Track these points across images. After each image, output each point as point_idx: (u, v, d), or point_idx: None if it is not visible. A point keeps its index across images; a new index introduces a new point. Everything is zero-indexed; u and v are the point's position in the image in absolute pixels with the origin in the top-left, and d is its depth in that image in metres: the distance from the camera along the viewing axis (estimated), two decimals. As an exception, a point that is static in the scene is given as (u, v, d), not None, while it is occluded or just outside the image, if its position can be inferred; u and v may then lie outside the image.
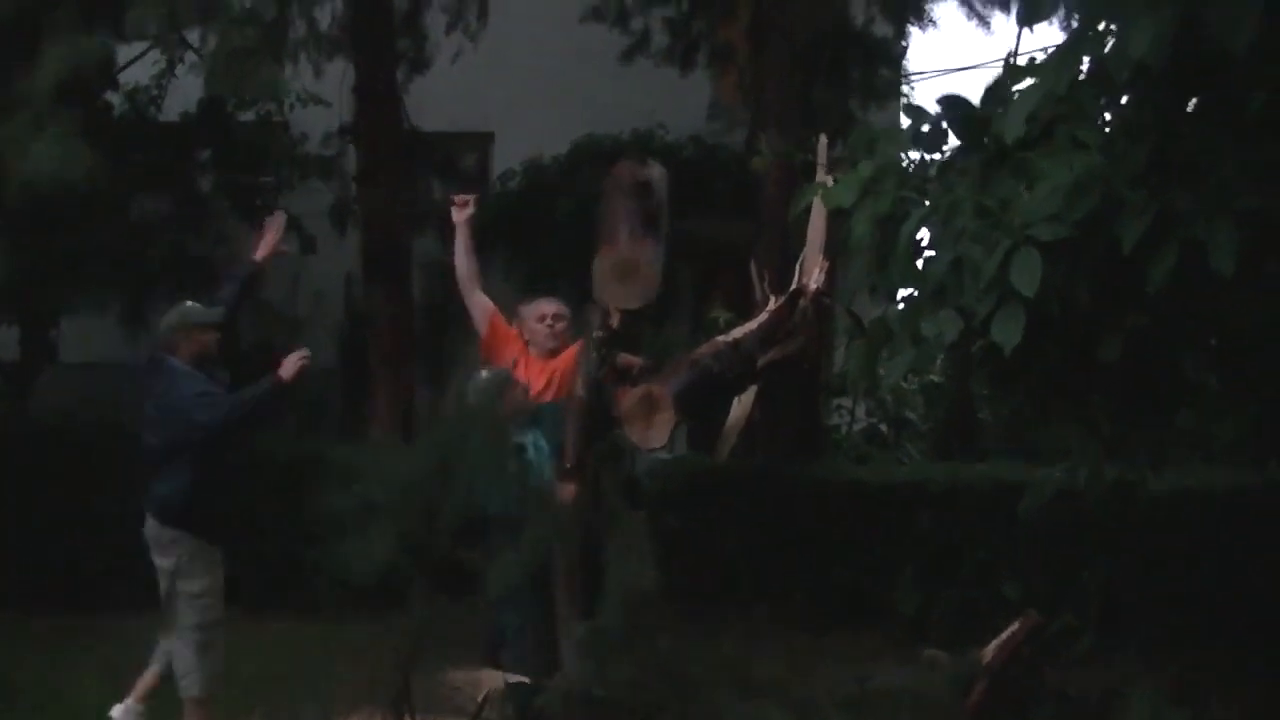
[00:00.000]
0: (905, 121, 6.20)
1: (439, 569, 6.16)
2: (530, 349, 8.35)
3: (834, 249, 7.20)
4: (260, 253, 8.66)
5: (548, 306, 8.45)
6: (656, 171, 7.07)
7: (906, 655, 8.43)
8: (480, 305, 8.57)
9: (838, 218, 6.66)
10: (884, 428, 15.62)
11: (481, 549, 6.22)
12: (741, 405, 8.08)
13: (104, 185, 10.54)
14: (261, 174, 15.55)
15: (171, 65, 14.26)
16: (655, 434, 6.65)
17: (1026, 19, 4.94)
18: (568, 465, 6.89)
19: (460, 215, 8.57)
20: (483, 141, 18.30)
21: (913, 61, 17.79)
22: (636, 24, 15.32)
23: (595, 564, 6.51)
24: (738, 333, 7.24)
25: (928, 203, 5.71)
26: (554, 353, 8.27)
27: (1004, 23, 14.87)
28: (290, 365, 7.80)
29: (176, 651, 7.93)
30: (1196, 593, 10.58)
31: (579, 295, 8.24)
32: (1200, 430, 8.29)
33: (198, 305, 8.17)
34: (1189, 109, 5.33)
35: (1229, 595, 10.53)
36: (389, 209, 13.62)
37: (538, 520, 6.34)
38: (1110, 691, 7.07)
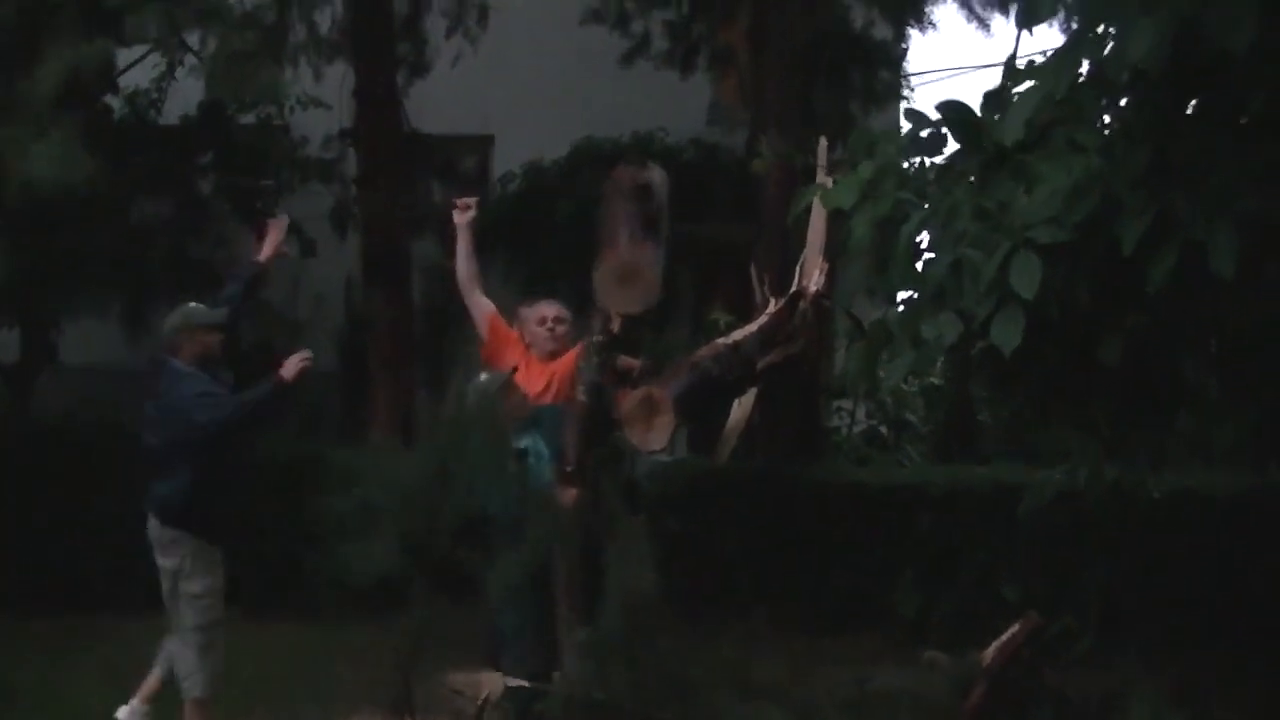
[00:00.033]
0: (905, 126, 6.21)
1: (440, 571, 6.17)
2: (531, 351, 8.36)
3: (834, 251, 7.20)
4: (263, 254, 8.68)
5: (548, 309, 8.46)
6: (657, 174, 7.07)
7: (906, 657, 8.44)
8: (481, 308, 8.57)
9: (837, 220, 6.67)
10: (884, 430, 15.61)
11: (482, 551, 6.23)
12: (742, 407, 8.09)
13: (104, 188, 10.57)
14: (261, 177, 15.55)
15: (172, 68, 14.26)
16: (655, 436, 6.65)
17: (1025, 21, 4.94)
18: (568, 468, 6.88)
19: (462, 218, 8.58)
20: (483, 144, 18.31)
21: (913, 64, 17.77)
22: (637, 27, 15.33)
23: (595, 566, 6.52)
24: (738, 335, 7.25)
25: (927, 205, 5.70)
26: (554, 355, 8.28)
27: (1004, 25, 14.85)
28: (292, 366, 7.80)
29: (178, 652, 7.94)
30: (1196, 595, 10.59)
31: (579, 298, 8.25)
32: (1200, 433, 8.29)
33: (201, 306, 8.19)
34: (1189, 111, 5.33)
35: (1229, 598, 10.54)
36: (389, 212, 13.63)
37: (538, 523, 6.34)
38: (1110, 694, 7.08)
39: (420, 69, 15.16)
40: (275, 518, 10.64)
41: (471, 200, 8.71)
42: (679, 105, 16.15)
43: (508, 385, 7.63)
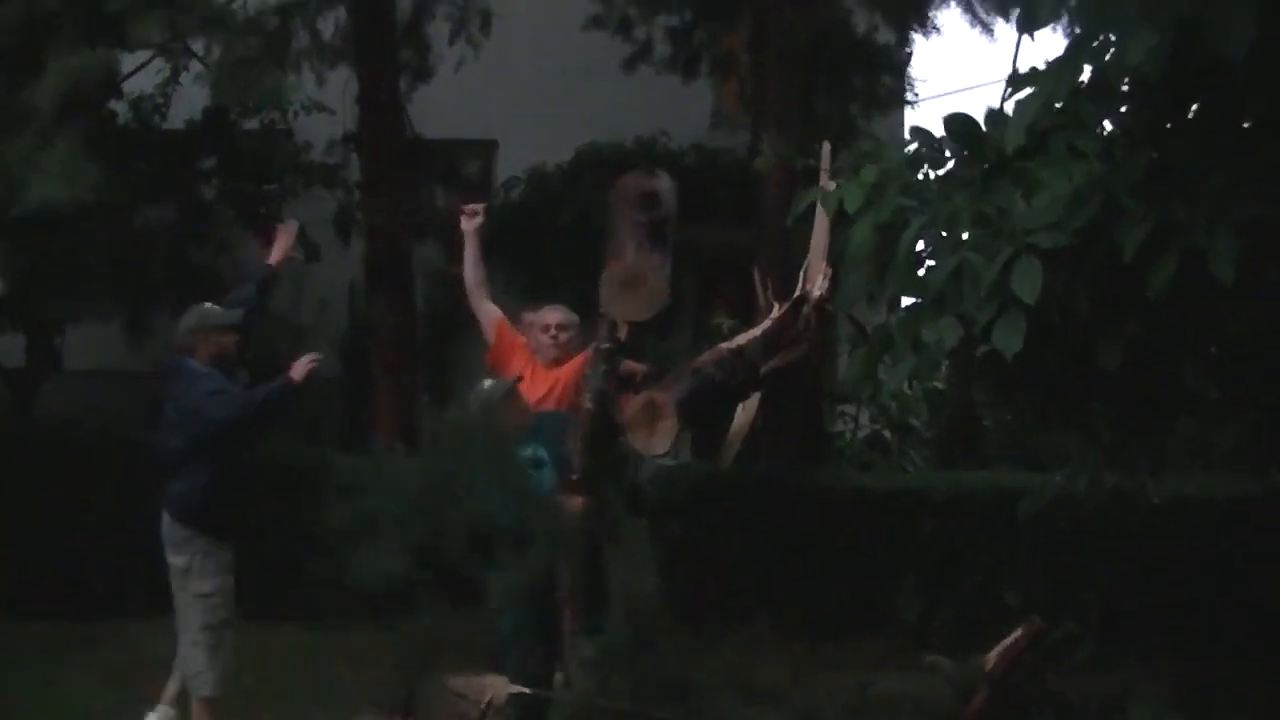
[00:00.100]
0: (909, 134, 6.22)
1: (445, 577, 6.18)
2: (536, 357, 8.37)
3: (836, 256, 7.21)
4: (274, 257, 8.79)
5: (552, 316, 8.46)
6: (664, 182, 7.08)
7: (909, 662, 8.45)
8: (488, 314, 8.58)
9: (840, 225, 6.67)
10: (888, 435, 15.62)
11: (487, 558, 6.24)
12: (745, 412, 8.11)
13: (108, 195, 10.58)
14: (265, 182, 15.56)
15: (176, 74, 14.28)
16: (658, 441, 6.66)
17: (1025, 26, 4.95)
18: (573, 476, 6.89)
19: (469, 224, 8.58)
20: (486, 149, 18.32)
21: (918, 69, 17.75)
22: (639, 33, 15.35)
23: (598, 570, 6.53)
24: (741, 340, 7.26)
25: (927, 212, 5.71)
26: (558, 362, 8.29)
27: (1007, 30, 14.86)
28: (301, 367, 7.92)
29: (187, 652, 8.00)
30: (1197, 600, 10.60)
31: (582, 303, 8.27)
32: (1200, 438, 8.30)
33: (216, 307, 8.27)
34: (1188, 115, 5.35)
35: (1229, 602, 10.55)
36: (392, 217, 13.64)
37: (542, 531, 6.35)
38: (1111, 698, 7.09)
39: (423, 74, 15.16)
40: (276, 520, 10.64)
41: (479, 206, 8.72)
42: (681, 110, 16.17)
43: (511, 393, 7.65)
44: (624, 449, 6.92)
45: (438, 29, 15.22)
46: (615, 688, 6.06)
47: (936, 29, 15.11)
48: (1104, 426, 6.83)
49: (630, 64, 15.44)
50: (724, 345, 7.24)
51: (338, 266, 15.21)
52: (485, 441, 6.60)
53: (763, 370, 7.14)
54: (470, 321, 8.85)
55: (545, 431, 7.56)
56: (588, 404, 6.89)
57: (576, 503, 6.76)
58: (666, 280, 6.77)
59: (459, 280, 8.75)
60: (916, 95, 15.95)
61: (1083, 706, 7.01)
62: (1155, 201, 5.00)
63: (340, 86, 14.37)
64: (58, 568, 11.09)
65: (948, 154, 5.84)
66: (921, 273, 5.82)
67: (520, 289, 14.51)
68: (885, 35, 15.20)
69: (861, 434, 15.49)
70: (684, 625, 7.67)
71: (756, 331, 7.23)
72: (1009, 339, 5.18)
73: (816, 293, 7.25)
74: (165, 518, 7.95)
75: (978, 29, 14.82)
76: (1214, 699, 9.00)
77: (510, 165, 17.75)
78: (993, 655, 6.94)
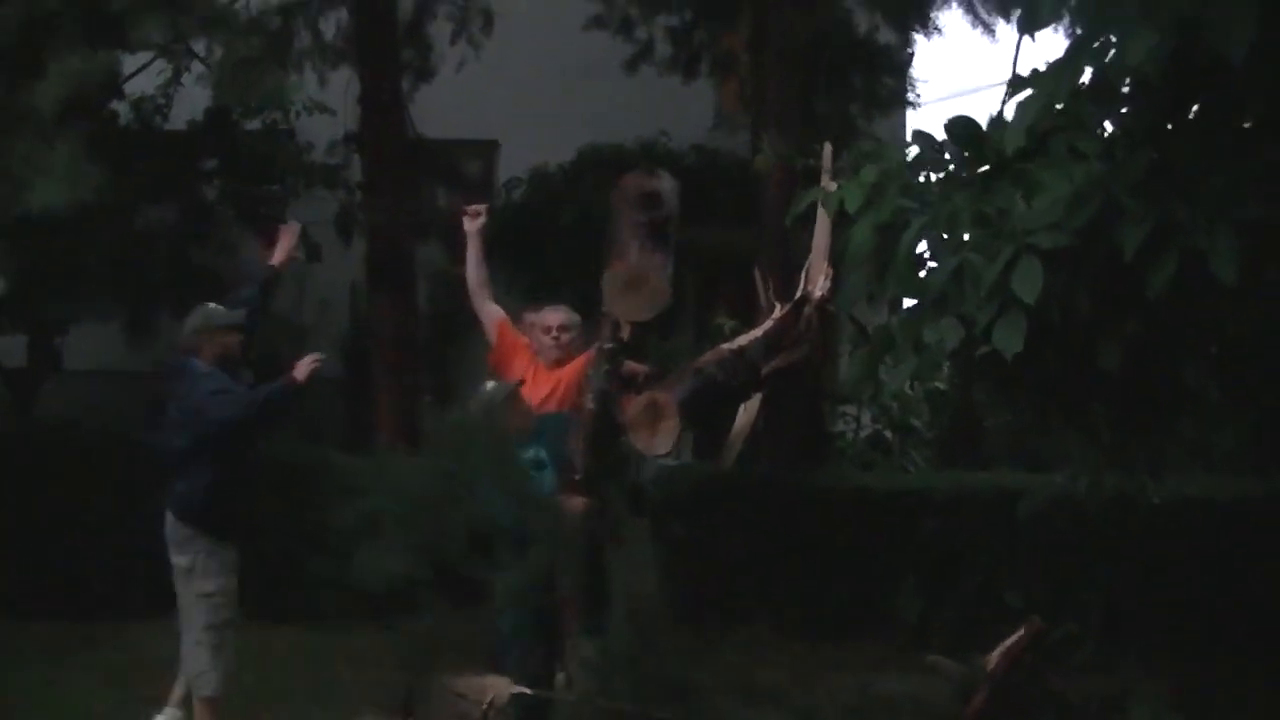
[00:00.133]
0: (910, 138, 6.22)
1: (449, 579, 6.19)
2: (538, 358, 8.38)
3: (838, 257, 7.21)
4: (277, 257, 8.83)
5: (553, 317, 8.46)
6: (666, 183, 7.08)
7: (909, 662, 8.46)
8: (490, 315, 8.59)
9: (841, 225, 6.67)
10: (889, 435, 15.63)
11: (489, 559, 6.25)
12: (747, 413, 8.11)
13: (109, 196, 10.59)
14: (267, 182, 15.57)
15: (178, 74, 14.29)
16: (660, 441, 6.67)
17: (1026, 27, 4.96)
18: (576, 477, 6.89)
19: (472, 225, 8.58)
20: (488, 150, 18.33)
21: (921, 71, 17.74)
22: (640, 33, 15.35)
23: (599, 570, 6.54)
24: (742, 340, 7.26)
25: (928, 213, 5.71)
26: (559, 363, 8.29)
27: (1009, 30, 14.85)
28: (304, 367, 7.97)
29: (190, 651, 8.02)
30: (1197, 600, 10.61)
31: (584, 303, 8.27)
32: (1200, 438, 8.30)
33: (220, 308, 8.31)
34: (1188, 116, 5.35)
35: (1229, 603, 10.56)
36: (394, 218, 13.64)
37: (544, 533, 6.36)
38: (1111, 699, 7.09)
39: (425, 74, 15.15)
40: (277, 520, 10.66)
41: (481, 207, 8.73)
42: (682, 111, 16.17)
43: (513, 396, 7.66)
44: (626, 449, 6.92)
45: (439, 29, 15.22)
46: (616, 688, 6.06)
47: (938, 29, 15.10)
48: (1104, 427, 6.83)
49: (631, 64, 15.44)
50: (725, 346, 7.24)
51: (339, 267, 15.22)
52: (487, 443, 6.60)
53: (764, 371, 7.14)
54: (472, 322, 8.86)
55: (547, 433, 7.57)
56: (590, 404, 6.89)
57: (578, 503, 6.77)
58: (669, 280, 6.77)
59: (461, 281, 8.75)
60: (918, 96, 15.96)
61: (1083, 707, 7.01)
62: (1155, 202, 5.00)
63: (342, 87, 14.36)
64: (57, 568, 11.11)
65: (948, 157, 5.85)
66: (923, 274, 5.82)
67: (522, 289, 14.51)
68: (887, 36, 15.19)
69: (863, 434, 15.50)
70: (685, 625, 7.67)
71: (758, 332, 7.23)
72: (1009, 339, 5.18)
73: (818, 293, 7.26)
74: (169, 517, 7.99)
75: (979, 29, 14.81)
76: (1214, 699, 9.00)
77: (512, 165, 17.76)
78: (994, 655, 6.93)
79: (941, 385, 14.94)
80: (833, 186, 6.75)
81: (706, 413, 7.34)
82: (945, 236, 5.53)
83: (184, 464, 7.98)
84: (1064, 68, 5.10)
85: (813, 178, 7.25)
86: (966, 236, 5.45)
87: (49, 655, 9.98)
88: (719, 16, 15.19)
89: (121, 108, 14.51)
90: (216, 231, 14.87)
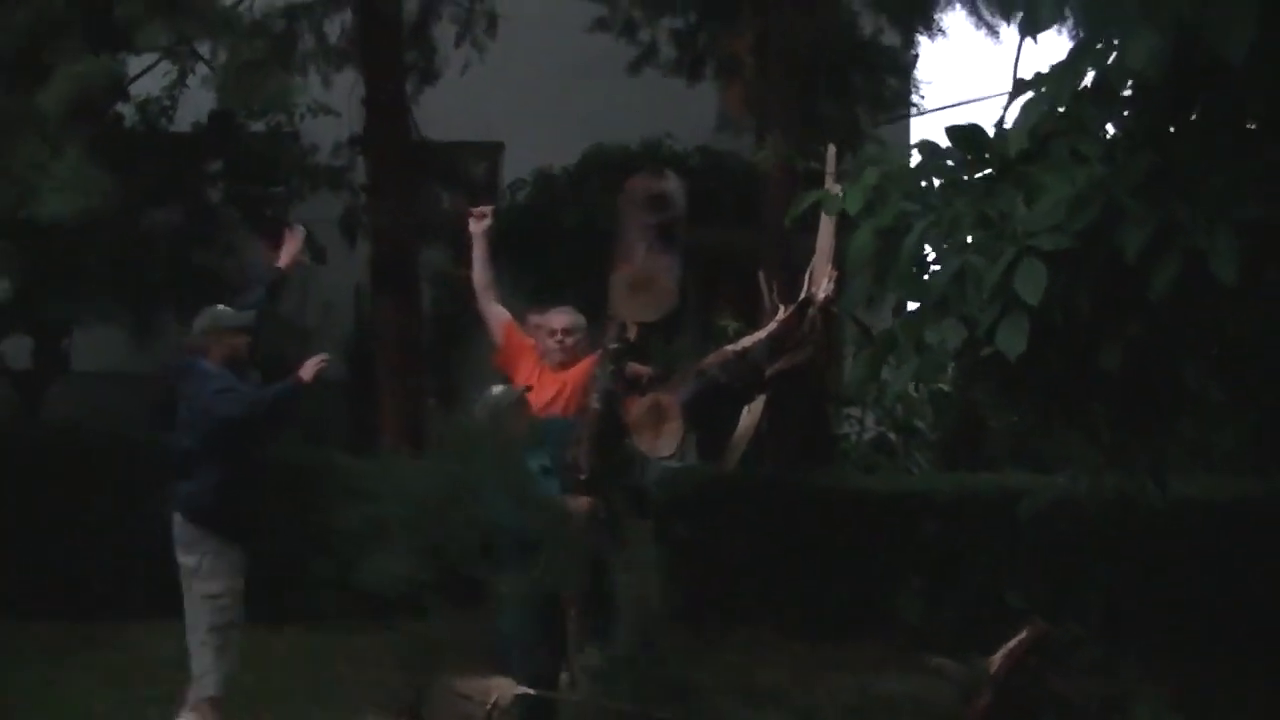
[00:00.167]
0: (916, 155, 6.23)
1: (455, 582, 6.20)
2: (544, 360, 8.39)
3: (842, 259, 7.22)
4: (283, 260, 8.87)
5: (558, 320, 8.46)
6: (673, 184, 7.09)
7: (912, 664, 8.46)
8: (496, 317, 8.59)
9: (846, 227, 6.68)
10: (893, 437, 15.63)
11: (494, 562, 6.26)
12: (750, 415, 8.11)
13: (114, 199, 10.61)
14: (272, 184, 15.58)
15: (182, 77, 14.30)
16: (664, 443, 6.67)
17: (1027, 29, 4.97)
18: (581, 477, 6.89)
19: (478, 227, 8.59)
20: (492, 152, 18.34)
21: (927, 74, 17.71)
22: (644, 35, 15.35)
23: (603, 571, 6.54)
24: (746, 342, 7.25)
25: (930, 216, 5.72)
26: (564, 365, 8.29)
27: (1013, 32, 14.82)
28: (310, 367, 8.02)
29: (193, 652, 8.04)
30: (1198, 601, 10.61)
31: (589, 305, 8.28)
32: (1201, 439, 8.31)
33: (228, 309, 8.36)
34: (1190, 118, 5.36)
35: (1230, 604, 10.56)
36: (398, 220, 13.66)
37: (551, 539, 6.36)
38: (1111, 699, 7.08)
39: (429, 77, 15.16)
40: (279, 522, 10.67)
41: (487, 209, 8.74)
42: (687, 112, 16.17)
43: (520, 402, 7.68)
44: (630, 450, 6.92)
45: (443, 31, 15.24)
46: (619, 689, 6.07)
47: (942, 31, 15.09)
48: (1105, 427, 6.84)
49: (635, 66, 15.44)
50: (729, 347, 7.23)
51: (343, 269, 15.22)
52: (494, 448, 6.61)
53: (768, 373, 7.13)
54: (476, 324, 8.87)
55: (551, 438, 7.57)
56: (595, 404, 6.89)
57: (582, 503, 6.77)
58: (676, 282, 6.78)
59: (466, 282, 8.76)
60: (923, 98, 15.96)
61: (1084, 708, 7.00)
62: (1157, 203, 5.02)
63: (346, 89, 14.39)
64: (58, 568, 11.13)
65: (951, 163, 5.86)
66: (926, 277, 5.83)
67: (526, 291, 14.53)
68: (891, 38, 15.19)
69: (867, 436, 15.50)
70: (687, 626, 7.66)
71: (762, 334, 7.22)
72: (1012, 340, 5.20)
73: (822, 295, 7.24)
74: (176, 518, 8.03)
75: (983, 31, 14.80)
76: (1215, 700, 9.00)
77: (516, 167, 17.77)
78: (996, 657, 6.93)
79: (945, 387, 14.94)
80: (836, 189, 6.76)
81: (710, 415, 7.34)
82: (947, 239, 5.54)
83: (192, 464, 8.03)
84: (1066, 70, 5.12)
85: (814, 180, 7.25)
86: (969, 239, 5.47)
87: (49, 655, 10.00)
88: (723, 19, 15.18)
89: (126, 110, 14.53)
90: (221, 233, 14.88)
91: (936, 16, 14.96)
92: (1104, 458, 7.55)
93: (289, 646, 10.23)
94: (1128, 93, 5.41)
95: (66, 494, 11.33)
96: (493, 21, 15.23)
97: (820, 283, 7.27)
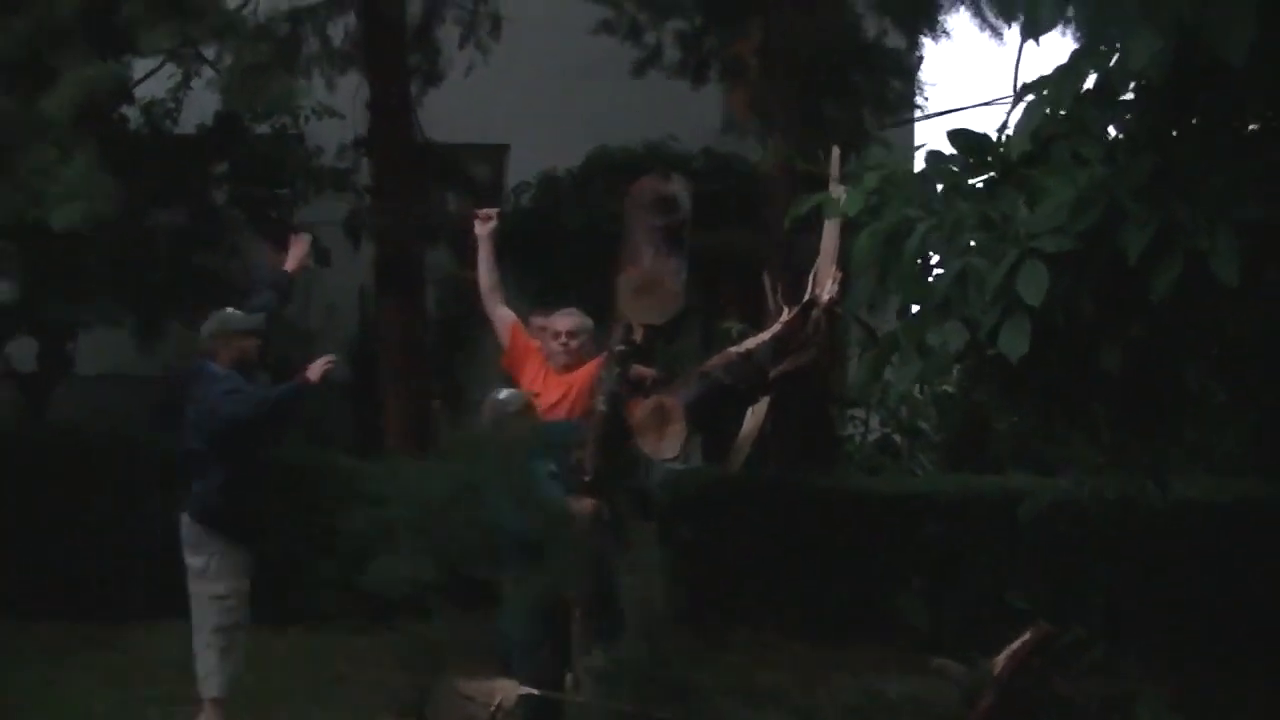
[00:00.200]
0: (921, 150, 6.23)
1: (459, 584, 6.22)
2: (549, 362, 8.40)
3: (846, 260, 7.22)
4: (290, 265, 8.94)
5: (562, 323, 8.47)
6: (679, 186, 7.10)
7: (915, 665, 8.46)
8: (502, 318, 8.61)
9: (851, 229, 6.68)
10: (897, 438, 15.62)
11: (501, 566, 6.28)
12: (754, 416, 8.12)
13: (119, 202, 10.63)
14: (276, 186, 15.59)
15: (187, 79, 14.32)
16: (667, 445, 6.68)
17: (1029, 32, 4.98)
18: (586, 479, 6.90)
19: (483, 229, 8.62)
20: (497, 154, 18.34)
21: (932, 77, 17.69)
22: (648, 38, 15.34)
23: (607, 573, 6.55)
24: (749, 344, 7.25)
25: (932, 218, 5.72)
26: (568, 368, 8.30)
27: (1016, 33, 14.78)
28: (316, 368, 8.15)
29: (199, 652, 8.08)
30: (1200, 602, 10.61)
31: (593, 308, 8.29)
32: (1202, 440, 8.31)
33: (237, 312, 8.42)
34: (1191, 119, 5.37)
35: (1232, 605, 10.56)
36: (402, 222, 13.67)
37: (558, 545, 6.36)
38: (1112, 700, 7.08)
39: (433, 79, 15.17)
40: (280, 522, 10.69)
41: (492, 211, 8.78)
42: (692, 114, 16.16)
43: (528, 408, 7.70)
44: (635, 453, 6.93)
45: (447, 33, 15.24)
46: (622, 690, 6.08)
47: (946, 33, 15.07)
48: (1106, 428, 6.84)
49: (640, 69, 15.43)
50: (733, 349, 7.23)
51: (348, 271, 15.21)
52: (500, 454, 6.63)
53: (772, 374, 7.14)
54: (480, 326, 8.89)
55: (555, 441, 7.57)
56: (601, 407, 6.90)
57: (587, 505, 6.78)
58: (682, 285, 6.79)
59: (471, 285, 8.79)
60: (927, 100, 15.94)
61: (1085, 708, 7.01)
62: (1158, 205, 5.02)
63: (350, 91, 14.40)
64: (58, 568, 11.15)
65: (954, 168, 5.87)
66: (929, 279, 5.84)
67: (531, 294, 14.53)
68: (895, 40, 15.17)
69: (871, 438, 15.49)
70: (690, 627, 7.68)
71: (765, 336, 7.22)
72: (1014, 342, 5.20)
73: (826, 297, 7.25)
74: (184, 518, 8.11)
75: (987, 33, 14.78)
76: (1216, 701, 9.01)
77: (520, 170, 17.77)
78: (999, 658, 6.93)
79: (949, 389, 14.94)
80: (840, 192, 6.76)
81: (713, 416, 7.34)
82: (949, 241, 5.55)
83: (200, 465, 8.10)
84: (1067, 73, 5.12)
85: (816, 182, 7.26)
86: (971, 242, 5.47)
87: (50, 655, 10.04)
88: (728, 21, 15.18)
89: (131, 112, 14.55)
90: (225, 236, 14.89)
91: (940, 18, 14.96)
92: (1105, 459, 7.56)
93: (291, 647, 10.26)
94: (1129, 95, 5.41)
95: (67, 495, 11.35)
96: (497, 24, 15.23)
97: (824, 284, 7.27)
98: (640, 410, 6.67)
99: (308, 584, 10.74)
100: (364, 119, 14.23)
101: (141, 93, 14.43)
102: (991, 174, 5.68)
